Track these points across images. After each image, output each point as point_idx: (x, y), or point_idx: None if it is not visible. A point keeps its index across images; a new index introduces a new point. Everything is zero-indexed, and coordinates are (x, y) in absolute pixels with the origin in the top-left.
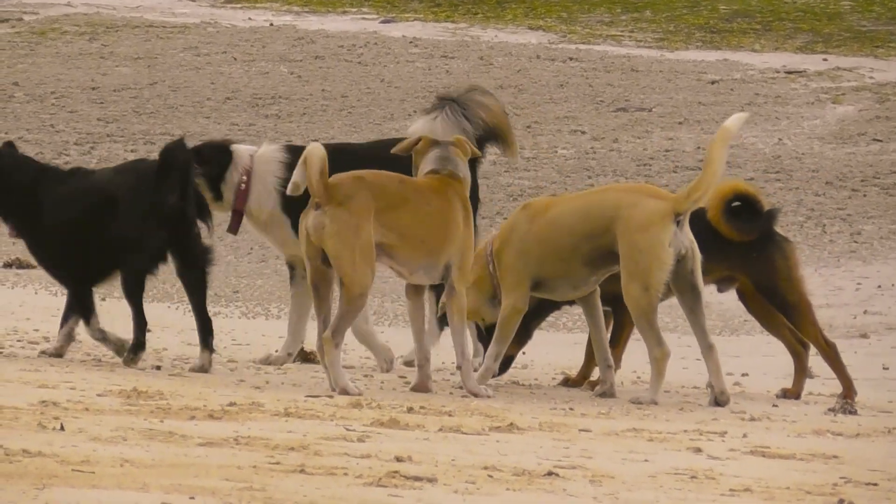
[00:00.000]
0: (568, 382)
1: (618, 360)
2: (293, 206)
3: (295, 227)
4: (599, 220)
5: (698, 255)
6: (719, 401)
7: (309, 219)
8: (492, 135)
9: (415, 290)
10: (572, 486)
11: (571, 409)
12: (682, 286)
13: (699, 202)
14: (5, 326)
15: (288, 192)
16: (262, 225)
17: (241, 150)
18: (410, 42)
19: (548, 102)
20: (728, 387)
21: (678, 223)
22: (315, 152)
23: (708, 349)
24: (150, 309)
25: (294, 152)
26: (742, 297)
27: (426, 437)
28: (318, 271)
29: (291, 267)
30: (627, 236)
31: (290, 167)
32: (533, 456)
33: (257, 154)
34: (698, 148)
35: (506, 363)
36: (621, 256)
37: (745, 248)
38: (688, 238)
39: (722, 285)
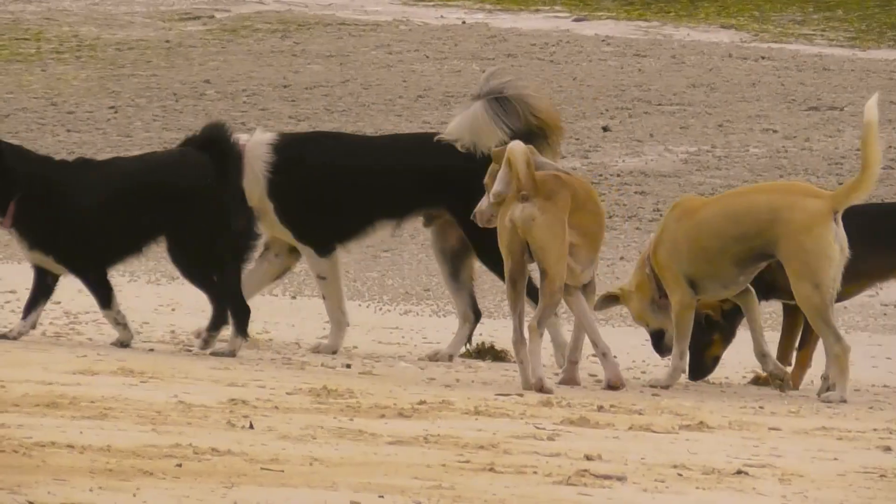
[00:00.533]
0: (758, 381)
1: (808, 359)
2: None
3: None
4: (753, 224)
5: (847, 254)
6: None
7: (516, 210)
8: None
9: (570, 290)
10: (762, 484)
11: (761, 407)
12: None
13: (856, 202)
14: (196, 325)
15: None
16: None
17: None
18: (602, 40)
19: (740, 101)
20: None
21: (835, 220)
22: (518, 148)
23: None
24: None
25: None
26: None
27: (616, 436)
28: (519, 265)
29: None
30: (792, 238)
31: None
32: (723, 455)
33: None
34: (890, 147)
35: (713, 363)
36: (786, 258)
37: None
38: (842, 235)
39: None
